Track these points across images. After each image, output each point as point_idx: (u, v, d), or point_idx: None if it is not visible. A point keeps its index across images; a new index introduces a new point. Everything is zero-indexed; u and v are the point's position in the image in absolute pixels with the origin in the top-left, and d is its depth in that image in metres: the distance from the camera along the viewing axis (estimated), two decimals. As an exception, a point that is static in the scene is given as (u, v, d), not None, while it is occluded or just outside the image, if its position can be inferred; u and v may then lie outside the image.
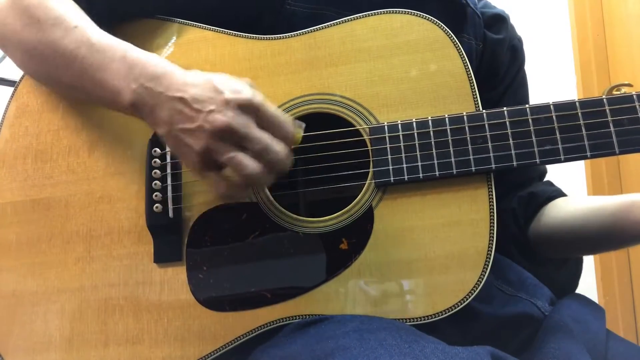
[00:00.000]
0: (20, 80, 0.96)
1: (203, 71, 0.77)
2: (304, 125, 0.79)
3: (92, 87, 0.81)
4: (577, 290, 1.03)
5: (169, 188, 0.86)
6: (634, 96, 0.78)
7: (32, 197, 0.90)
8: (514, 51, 1.10)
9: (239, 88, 0.73)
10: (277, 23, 0.92)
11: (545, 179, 1.09)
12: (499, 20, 1.09)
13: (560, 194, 1.03)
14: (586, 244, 0.96)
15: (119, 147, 0.89)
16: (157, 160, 0.87)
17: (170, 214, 0.85)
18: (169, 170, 0.86)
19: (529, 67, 1.14)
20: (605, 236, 0.91)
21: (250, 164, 0.72)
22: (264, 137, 0.73)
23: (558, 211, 0.99)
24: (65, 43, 0.81)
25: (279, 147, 0.73)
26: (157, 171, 0.86)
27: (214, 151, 0.72)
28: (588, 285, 2.28)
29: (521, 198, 1.02)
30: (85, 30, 0.82)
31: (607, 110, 0.78)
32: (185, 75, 0.76)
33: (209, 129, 0.71)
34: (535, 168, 1.07)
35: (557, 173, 1.11)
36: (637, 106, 0.78)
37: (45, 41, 0.83)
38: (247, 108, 0.72)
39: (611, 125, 0.78)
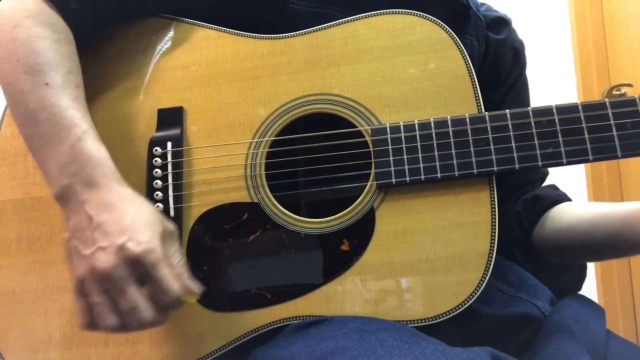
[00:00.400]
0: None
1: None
2: (201, 290, 0.76)
3: (37, 157, 0.79)
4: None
5: (170, 187, 0.85)
6: (637, 99, 0.78)
7: (32, 195, 0.90)
8: (516, 53, 1.09)
9: (143, 239, 0.70)
10: (280, 22, 0.92)
11: (546, 182, 1.09)
12: (501, 23, 1.09)
13: (565, 198, 1.03)
14: (590, 250, 0.95)
15: (120, 146, 0.89)
16: (158, 159, 0.86)
17: (171, 213, 0.85)
18: (170, 169, 0.86)
19: (530, 68, 1.14)
20: (610, 244, 0.90)
21: (108, 318, 0.70)
22: (133, 300, 0.69)
23: (563, 216, 0.98)
24: (30, 99, 0.78)
25: (145, 314, 0.70)
26: (158, 170, 0.86)
27: (87, 285, 0.70)
28: (588, 285, 2.26)
29: (526, 201, 1.02)
30: (54, 92, 0.78)
31: (610, 114, 0.78)
32: (112, 196, 0.74)
33: (91, 264, 0.69)
34: (537, 170, 1.06)
35: (557, 175, 1.11)
36: (641, 109, 0.78)
37: (15, 86, 0.79)
38: (135, 263, 0.69)
39: (614, 128, 0.77)
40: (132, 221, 0.72)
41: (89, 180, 0.74)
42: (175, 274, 0.72)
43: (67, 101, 0.78)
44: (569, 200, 1.03)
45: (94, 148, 0.77)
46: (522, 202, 1.02)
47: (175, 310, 0.74)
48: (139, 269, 0.70)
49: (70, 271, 0.73)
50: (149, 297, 0.71)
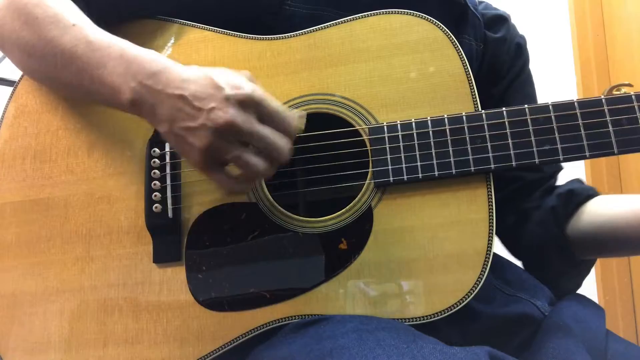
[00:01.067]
0: (19, 81, 0.96)
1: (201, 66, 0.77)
2: (305, 114, 0.79)
3: (91, 85, 0.80)
4: (578, 291, 1.02)
5: (169, 188, 0.86)
6: (633, 96, 0.78)
7: (31, 198, 0.90)
8: (518, 48, 1.09)
9: (238, 83, 0.73)
10: (277, 24, 0.93)
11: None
12: (500, 21, 1.09)
13: (596, 192, 1.01)
14: (629, 244, 0.93)
15: (118, 148, 0.89)
16: (157, 160, 0.87)
17: (170, 214, 0.85)
18: (168, 170, 0.86)
19: (530, 67, 1.14)
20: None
21: (255, 162, 0.73)
22: (267, 133, 0.73)
23: (602, 209, 0.96)
24: (63, 41, 0.81)
25: (281, 142, 0.74)
26: (157, 171, 0.86)
27: (217, 149, 0.73)
28: (588, 285, 2.27)
29: (560, 195, 1.00)
30: (83, 28, 0.82)
31: (606, 110, 0.78)
32: (183, 71, 0.75)
33: (212, 126, 0.71)
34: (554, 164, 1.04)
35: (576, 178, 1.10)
36: (636, 106, 0.78)
37: (43, 39, 0.82)
38: (248, 104, 0.72)
39: (610, 125, 0.78)
40: (219, 76, 0.74)
41: (153, 71, 0.76)
42: None
43: (96, 30, 0.82)
44: (600, 194, 1.01)
45: (140, 51, 0.79)
46: (556, 196, 1.00)
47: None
48: (254, 106, 0.73)
49: (191, 154, 0.75)
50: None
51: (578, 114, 0.79)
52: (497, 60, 1.07)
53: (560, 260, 0.98)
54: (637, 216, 0.90)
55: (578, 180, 1.05)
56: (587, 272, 1.03)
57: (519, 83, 1.09)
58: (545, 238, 0.99)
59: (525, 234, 1.01)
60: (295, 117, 0.77)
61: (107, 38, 0.81)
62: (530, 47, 1.13)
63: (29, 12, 0.84)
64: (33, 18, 0.83)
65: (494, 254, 0.93)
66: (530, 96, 1.11)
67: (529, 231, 1.01)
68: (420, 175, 0.81)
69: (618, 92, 0.82)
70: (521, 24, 1.19)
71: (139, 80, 0.76)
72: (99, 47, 0.80)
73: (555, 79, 2.41)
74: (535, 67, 1.14)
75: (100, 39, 0.81)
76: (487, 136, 0.80)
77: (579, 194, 0.99)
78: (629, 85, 0.86)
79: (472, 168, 0.80)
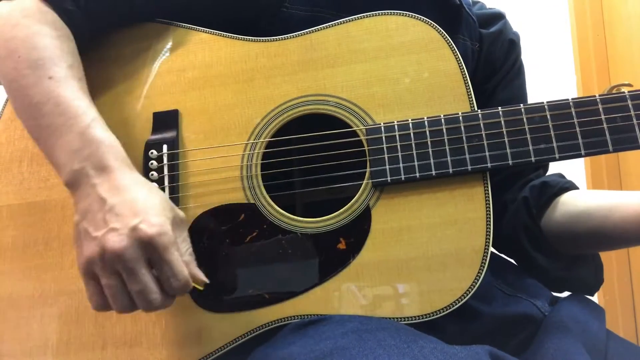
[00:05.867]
0: (17, 84, 0.96)
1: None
2: (207, 281, 0.76)
3: (44, 147, 0.79)
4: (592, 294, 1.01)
5: (166, 190, 0.86)
6: (627, 95, 0.79)
7: (28, 200, 0.90)
8: (510, 44, 1.10)
9: (155, 222, 0.70)
10: (275, 26, 0.93)
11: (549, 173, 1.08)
12: (495, 18, 1.10)
13: (573, 186, 1.02)
14: (605, 238, 0.93)
15: (116, 150, 0.89)
16: (154, 162, 0.87)
17: (168, 216, 0.85)
18: (166, 172, 0.86)
19: (530, 67, 1.14)
20: (625, 232, 0.89)
21: (120, 299, 0.71)
22: (144, 281, 0.70)
23: (577, 201, 0.97)
24: (34, 92, 0.79)
25: (154, 296, 0.71)
26: (154, 173, 0.86)
27: (96, 266, 0.71)
28: (589, 285, 2.27)
29: (533, 187, 1.00)
30: (59, 85, 0.79)
31: (600, 109, 0.79)
32: (125, 180, 0.74)
33: (102, 245, 0.69)
34: None
35: (557, 172, 1.10)
36: (630, 104, 0.78)
37: (18, 81, 0.80)
38: (146, 245, 0.70)
39: (604, 123, 0.78)
40: (145, 204, 0.72)
41: (101, 164, 0.74)
42: (184, 260, 0.73)
43: (71, 92, 0.79)
44: (577, 188, 1.02)
45: (104, 134, 0.77)
46: (529, 188, 1.01)
47: (183, 295, 0.75)
48: (151, 251, 0.70)
49: (78, 254, 0.73)
50: (158, 280, 0.72)
51: (573, 112, 0.79)
52: (492, 56, 1.07)
53: (536, 251, 0.98)
54: (613, 210, 0.90)
55: (559, 175, 1.05)
56: (596, 274, 1.00)
57: (507, 79, 1.09)
58: (519, 229, 0.99)
59: (502, 225, 1.00)
60: (187, 281, 0.73)
61: (78, 104, 0.78)
62: (531, 47, 1.13)
63: (15, 48, 0.81)
64: (17, 56, 0.80)
65: (494, 254, 0.93)
66: (519, 88, 1.12)
67: (505, 223, 1.01)
68: (417, 174, 0.81)
69: (617, 92, 0.83)
70: (521, 23, 1.19)
71: (82, 166, 0.74)
72: (65, 112, 0.77)
73: (555, 79, 2.41)
74: (535, 67, 1.15)
75: (69, 104, 0.78)
76: (484, 135, 0.80)
77: (553, 186, 1.00)
78: (629, 85, 0.86)
79: (469, 167, 0.80)
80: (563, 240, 0.97)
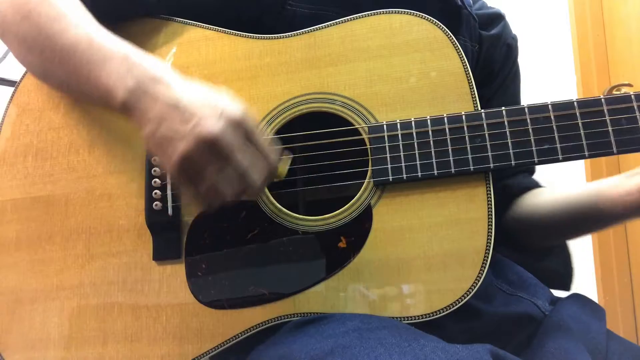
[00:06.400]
0: (21, 79, 0.96)
1: (205, 75, 0.76)
2: (291, 156, 0.77)
3: (85, 83, 0.79)
4: (578, 291, 1.02)
5: (169, 186, 0.86)
6: (632, 96, 0.78)
7: (32, 195, 0.90)
8: (508, 49, 1.10)
9: (235, 106, 0.71)
10: (278, 24, 0.93)
11: (545, 183, 1.09)
12: (495, 19, 1.10)
13: (536, 185, 1.04)
14: (555, 232, 0.99)
15: (119, 145, 0.89)
16: (157, 158, 0.87)
17: (170, 212, 0.85)
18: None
19: (530, 67, 1.14)
20: (571, 223, 0.94)
21: (222, 188, 0.71)
22: (244, 164, 0.70)
23: (529, 202, 1.01)
24: (65, 37, 0.80)
25: (255, 177, 0.71)
26: (157, 169, 0.86)
27: (194, 161, 0.69)
28: (588, 285, 2.28)
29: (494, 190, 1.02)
30: (87, 27, 0.81)
31: (605, 110, 0.78)
32: (185, 82, 0.74)
33: (197, 135, 0.68)
34: None
35: (557, 173, 1.11)
36: (635, 106, 0.78)
37: (44, 34, 0.81)
38: (239, 127, 0.70)
39: (609, 125, 0.78)
40: (217, 95, 0.73)
41: (155, 76, 0.74)
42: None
43: (100, 32, 0.81)
44: (540, 187, 1.05)
45: (145, 56, 0.78)
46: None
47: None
48: (242, 132, 0.70)
49: (166, 160, 0.71)
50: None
51: (577, 113, 0.79)
52: (491, 57, 1.08)
53: (506, 248, 1.02)
54: (556, 207, 0.94)
55: (525, 175, 1.08)
56: (565, 269, 1.05)
57: (505, 85, 1.10)
58: None
59: None
60: (281, 158, 0.74)
61: (112, 40, 0.80)
62: (530, 47, 1.13)
63: (32, 8, 0.82)
64: (36, 13, 0.82)
65: (495, 254, 0.93)
66: (514, 93, 1.13)
67: None
68: (419, 174, 0.81)
69: (618, 92, 0.83)
70: (521, 24, 1.20)
71: (139, 80, 0.74)
72: (102, 47, 0.78)
73: (555, 79, 2.41)
74: (535, 67, 1.15)
75: (104, 40, 0.79)
76: (487, 135, 0.80)
77: (513, 188, 1.04)
78: (629, 85, 0.86)
79: (471, 167, 0.80)
80: (525, 236, 1.01)
